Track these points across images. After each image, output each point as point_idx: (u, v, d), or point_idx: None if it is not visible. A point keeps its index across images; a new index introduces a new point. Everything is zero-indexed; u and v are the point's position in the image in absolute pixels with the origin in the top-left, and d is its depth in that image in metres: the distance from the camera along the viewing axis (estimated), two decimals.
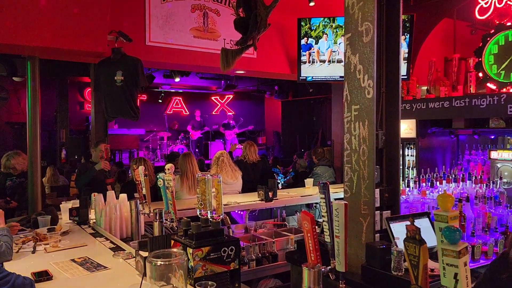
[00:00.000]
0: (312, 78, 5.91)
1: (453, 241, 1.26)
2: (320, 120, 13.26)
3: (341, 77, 5.77)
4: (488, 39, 4.37)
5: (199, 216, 2.32)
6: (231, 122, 13.23)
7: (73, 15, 3.93)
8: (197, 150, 12.79)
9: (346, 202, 1.66)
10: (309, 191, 5.40)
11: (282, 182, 8.41)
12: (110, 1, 4.12)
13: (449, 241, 1.27)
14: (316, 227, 1.82)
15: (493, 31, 4.40)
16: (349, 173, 2.86)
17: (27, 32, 3.75)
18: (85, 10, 3.97)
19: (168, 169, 3.06)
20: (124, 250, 2.80)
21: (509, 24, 4.26)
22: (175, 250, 2.07)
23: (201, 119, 13.06)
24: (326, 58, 5.88)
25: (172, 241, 2.30)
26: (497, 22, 4.54)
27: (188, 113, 13.97)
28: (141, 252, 2.35)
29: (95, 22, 3.99)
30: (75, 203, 3.84)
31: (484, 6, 4.81)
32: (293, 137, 13.60)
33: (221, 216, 2.31)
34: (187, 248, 2.11)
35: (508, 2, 4.56)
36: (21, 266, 2.44)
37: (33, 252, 2.73)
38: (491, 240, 3.10)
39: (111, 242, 3.02)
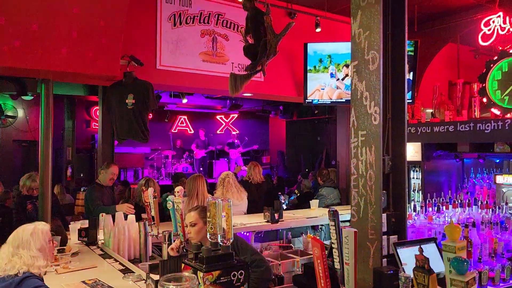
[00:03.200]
0: (318, 101, 6.00)
1: (461, 272, 1.30)
2: (325, 140, 13.30)
3: (346, 101, 5.86)
4: (492, 65, 4.44)
5: (209, 239, 2.36)
6: (235, 141, 13.30)
7: (88, 40, 4.05)
8: (201, 169, 12.83)
9: (355, 229, 1.71)
10: (315, 213, 5.42)
11: (286, 202, 8.42)
12: (123, 27, 4.25)
13: (457, 271, 1.31)
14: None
15: (496, 57, 4.48)
16: (356, 197, 2.90)
17: (41, 57, 3.86)
18: (99, 35, 4.09)
19: (178, 192, 3.11)
20: (133, 272, 2.83)
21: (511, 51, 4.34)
22: (186, 274, 2.10)
23: (206, 138, 13.15)
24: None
25: (183, 265, 2.33)
26: (500, 48, 4.63)
27: (192, 131, 14.07)
28: (152, 275, 2.39)
29: (108, 47, 4.11)
30: (84, 223, 3.89)
31: (487, 33, 4.91)
32: (297, 156, 13.64)
33: (231, 240, 2.34)
34: (198, 272, 2.14)
35: (511, 29, 4.65)
36: None
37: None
38: (498, 266, 3.10)
39: (120, 263, 3.06)
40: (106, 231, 3.60)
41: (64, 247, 3.35)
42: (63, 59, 3.89)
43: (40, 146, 4.22)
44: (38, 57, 3.87)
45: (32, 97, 8.52)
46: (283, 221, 4.88)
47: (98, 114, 7.25)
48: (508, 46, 4.54)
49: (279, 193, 8.14)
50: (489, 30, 4.90)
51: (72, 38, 4.00)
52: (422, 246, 2.18)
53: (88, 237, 3.71)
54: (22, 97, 8.24)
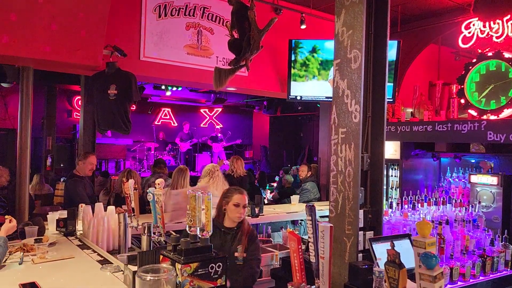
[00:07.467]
0: (301, 97, 6.04)
1: (429, 267, 1.36)
2: (307, 136, 13.43)
3: (327, 97, 5.93)
4: (470, 67, 4.55)
5: (188, 232, 2.37)
6: (219, 135, 13.29)
7: (71, 29, 3.99)
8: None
9: (331, 224, 1.75)
10: (295, 208, 5.48)
11: (270, 197, 8.49)
12: (107, 17, 4.20)
13: (426, 266, 1.37)
14: (302, 244, 1.90)
15: (475, 60, 4.59)
16: (335, 193, 2.96)
17: (23, 45, 3.79)
18: (82, 25, 4.03)
19: (158, 184, 3.11)
20: (111, 263, 2.82)
21: (490, 54, 4.45)
22: (164, 265, 2.12)
23: (190, 131, 13.12)
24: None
25: (161, 256, 2.35)
26: (479, 51, 4.74)
27: (176, 124, 13.99)
28: (129, 266, 2.39)
29: (92, 36, 4.06)
30: (62, 213, 3.85)
31: (467, 35, 5.00)
32: (280, 152, 13.73)
33: (210, 233, 2.37)
34: (176, 263, 2.16)
35: (490, 33, 4.75)
36: (8, 277, 2.45)
37: (20, 263, 2.73)
38: (469, 262, 3.21)
39: (99, 254, 3.04)
40: (85, 222, 3.58)
41: (42, 237, 3.32)
42: (43, 47, 3.83)
43: (18, 135, 4.15)
44: (18, 44, 3.79)
45: (11, 84, 8.33)
46: (263, 215, 4.93)
47: (80, 104, 7.14)
48: (487, 49, 4.64)
49: (262, 187, 8.21)
50: (469, 33, 4.99)
51: (53, 26, 3.94)
52: (396, 241, 2.24)
53: (67, 227, 3.67)
54: (2, 84, 8.04)
